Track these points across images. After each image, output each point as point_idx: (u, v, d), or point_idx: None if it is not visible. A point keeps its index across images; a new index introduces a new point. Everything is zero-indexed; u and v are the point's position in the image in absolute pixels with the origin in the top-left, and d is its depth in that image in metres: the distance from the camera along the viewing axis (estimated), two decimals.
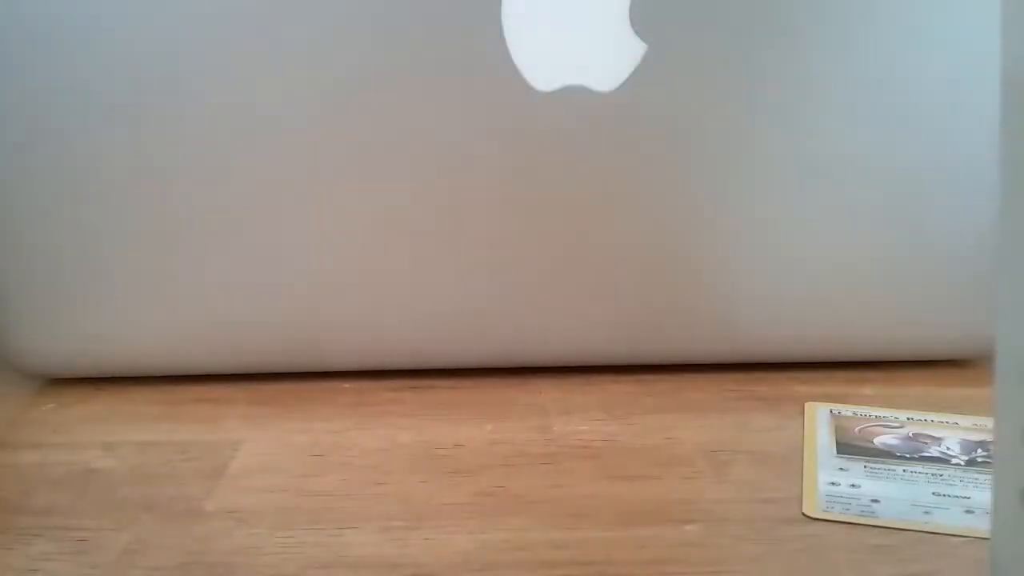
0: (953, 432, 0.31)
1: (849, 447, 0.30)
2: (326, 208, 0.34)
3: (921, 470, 0.28)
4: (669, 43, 0.33)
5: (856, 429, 0.31)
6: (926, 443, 0.30)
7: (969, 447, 0.30)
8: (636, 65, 0.33)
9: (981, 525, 0.23)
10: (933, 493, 0.26)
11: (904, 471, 0.28)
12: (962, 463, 0.28)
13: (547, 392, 0.35)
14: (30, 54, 0.33)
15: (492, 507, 0.26)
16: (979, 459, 0.29)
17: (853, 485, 0.27)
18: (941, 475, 0.28)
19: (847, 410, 0.33)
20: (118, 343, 0.36)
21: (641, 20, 0.33)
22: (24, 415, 0.34)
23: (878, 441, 0.30)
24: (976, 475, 0.27)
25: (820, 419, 0.32)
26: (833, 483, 0.27)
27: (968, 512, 0.25)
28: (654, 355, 0.37)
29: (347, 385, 0.36)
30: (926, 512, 0.25)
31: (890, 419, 0.32)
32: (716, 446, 0.30)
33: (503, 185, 0.34)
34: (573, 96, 0.33)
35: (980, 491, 0.26)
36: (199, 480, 0.28)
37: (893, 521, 0.25)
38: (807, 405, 0.33)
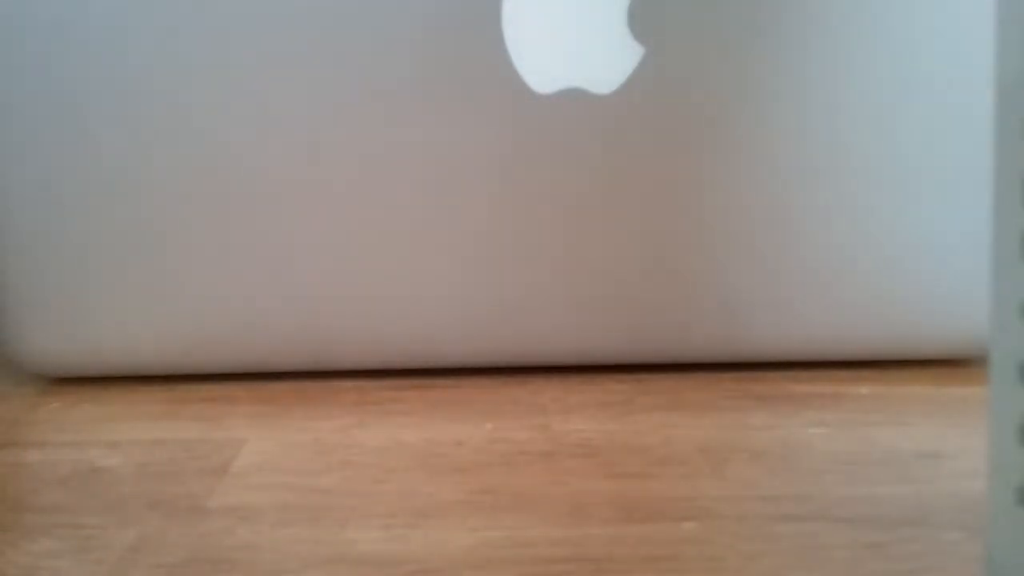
0: None
1: None
2: (328, 209, 0.35)
3: None
4: (667, 46, 0.33)
5: None
6: None
7: None
8: (634, 68, 0.33)
9: None
10: None
11: None
12: None
13: (547, 391, 0.36)
14: (30, 54, 0.33)
15: (492, 504, 0.26)
16: None
17: None
18: None
19: None
20: (122, 343, 0.36)
21: (639, 23, 0.33)
22: (29, 414, 0.35)
23: None
24: None
25: None
26: None
27: None
28: (653, 355, 0.37)
29: (349, 384, 0.37)
30: None
31: None
32: (714, 444, 0.30)
33: (502, 186, 0.34)
34: (572, 98, 0.33)
35: None
36: (203, 478, 0.28)
37: None
38: None
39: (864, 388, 0.36)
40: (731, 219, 0.35)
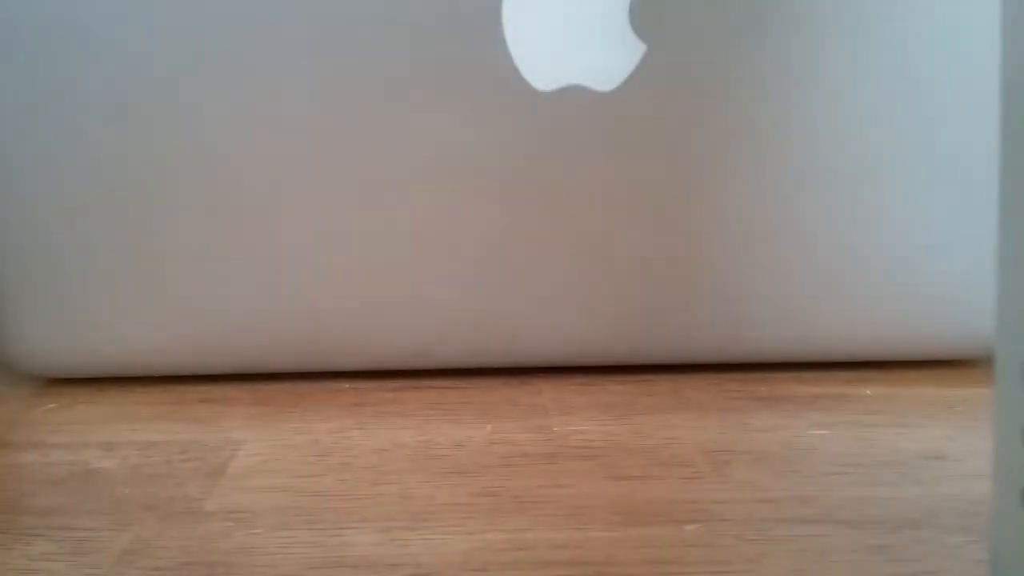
0: None
1: None
2: (326, 208, 0.34)
3: None
4: (668, 43, 0.33)
5: None
6: None
7: None
8: (635, 65, 0.33)
9: None
10: None
11: None
12: None
13: (547, 392, 0.36)
14: (30, 55, 0.33)
15: (492, 507, 0.26)
16: None
17: None
18: None
19: None
20: (118, 343, 0.36)
21: (640, 20, 0.33)
22: (25, 415, 0.35)
23: None
24: None
25: None
26: None
27: None
28: (654, 355, 0.37)
29: (347, 385, 0.36)
30: None
31: None
32: (716, 446, 0.30)
33: (503, 185, 0.34)
34: (573, 96, 0.33)
35: None
36: (199, 480, 0.28)
37: None
38: None
39: (868, 389, 0.35)
40: (733, 218, 0.35)
